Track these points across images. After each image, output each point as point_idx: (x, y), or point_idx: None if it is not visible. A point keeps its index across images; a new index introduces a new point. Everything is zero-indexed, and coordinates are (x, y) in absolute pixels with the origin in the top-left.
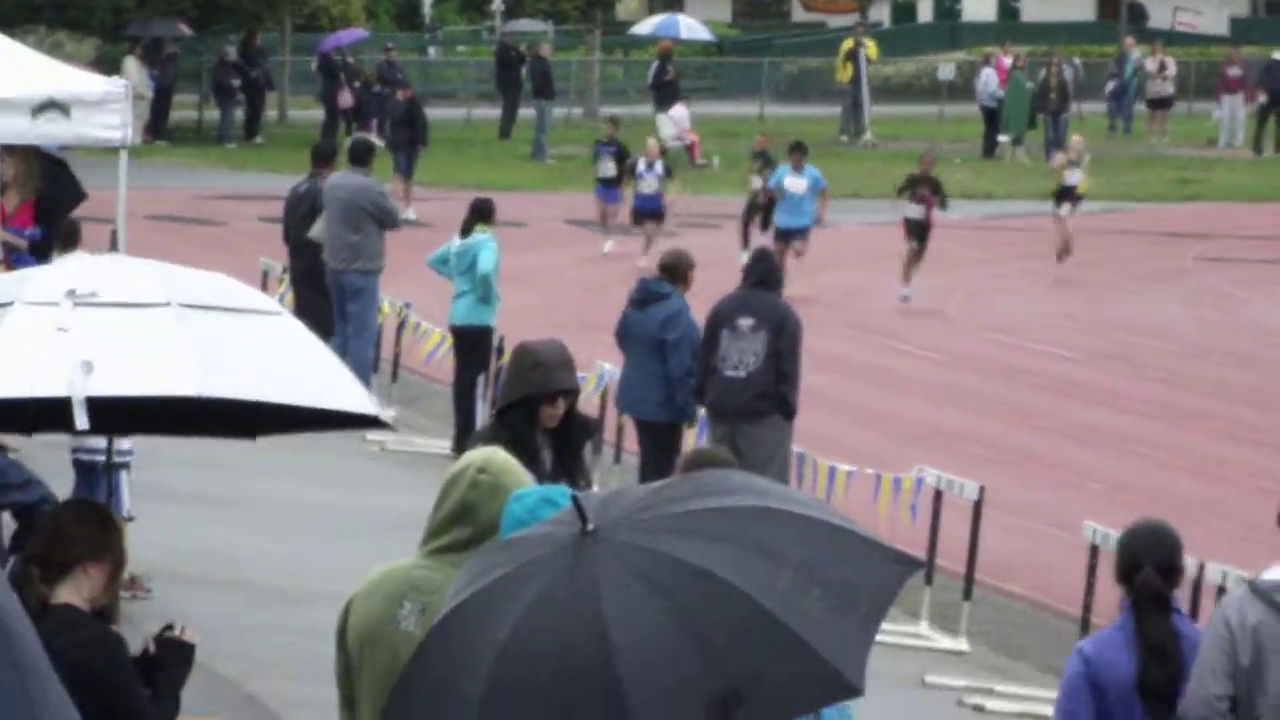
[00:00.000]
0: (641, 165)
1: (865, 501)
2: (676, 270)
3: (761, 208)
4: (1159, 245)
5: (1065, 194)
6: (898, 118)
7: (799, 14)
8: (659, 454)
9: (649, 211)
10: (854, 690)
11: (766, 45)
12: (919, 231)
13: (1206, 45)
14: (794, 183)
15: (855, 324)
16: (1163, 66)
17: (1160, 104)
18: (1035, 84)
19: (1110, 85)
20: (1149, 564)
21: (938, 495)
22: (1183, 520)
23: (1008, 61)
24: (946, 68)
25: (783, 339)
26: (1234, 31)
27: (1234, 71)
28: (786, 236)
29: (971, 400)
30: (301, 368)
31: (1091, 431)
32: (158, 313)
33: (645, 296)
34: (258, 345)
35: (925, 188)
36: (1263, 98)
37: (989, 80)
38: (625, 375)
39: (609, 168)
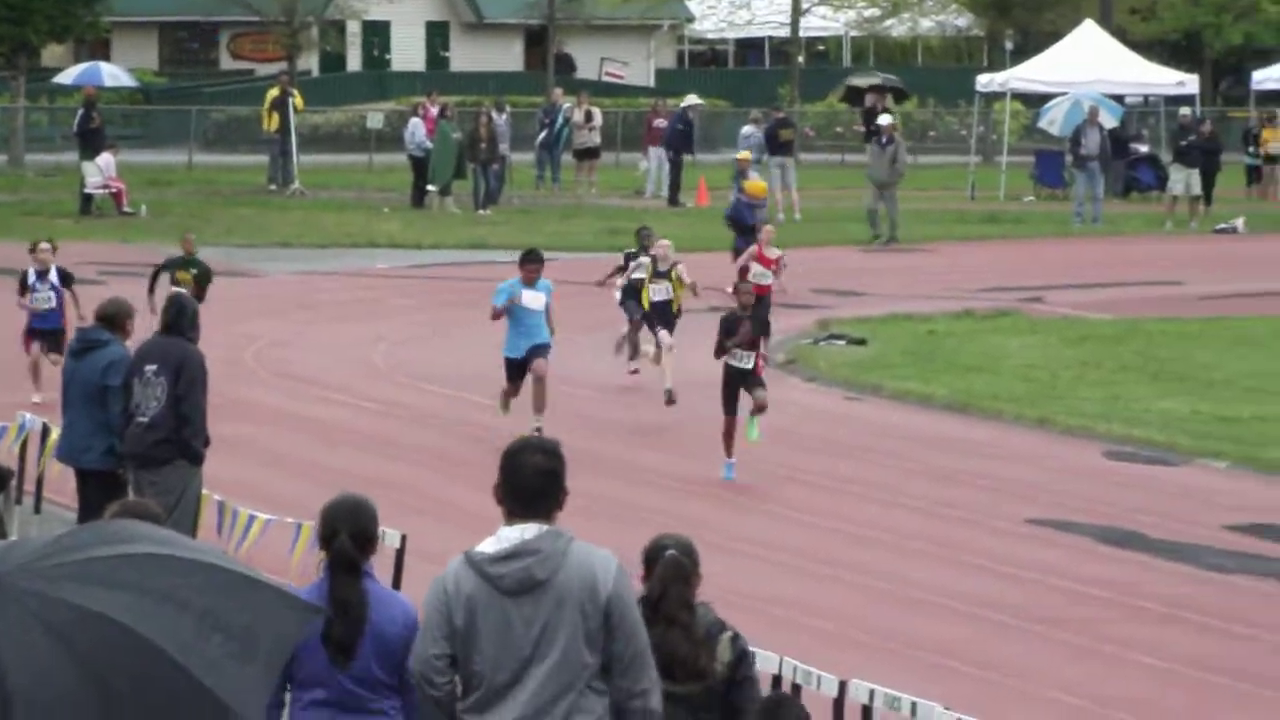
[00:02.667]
0: (32, 275)
1: (284, 550)
2: (115, 319)
3: None
4: (588, 296)
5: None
6: (327, 166)
7: (227, 62)
8: (103, 502)
9: (47, 332)
10: None
11: (195, 93)
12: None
13: (633, 96)
14: (532, 298)
15: (283, 373)
16: (589, 117)
17: (587, 154)
18: (464, 134)
19: (541, 135)
20: (345, 532)
21: None
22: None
23: (435, 111)
24: (375, 117)
25: (181, 383)
26: (660, 83)
27: (660, 123)
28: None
29: (398, 449)
30: None
31: None
32: None
33: (84, 345)
34: None
35: None
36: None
37: (416, 130)
38: (67, 424)
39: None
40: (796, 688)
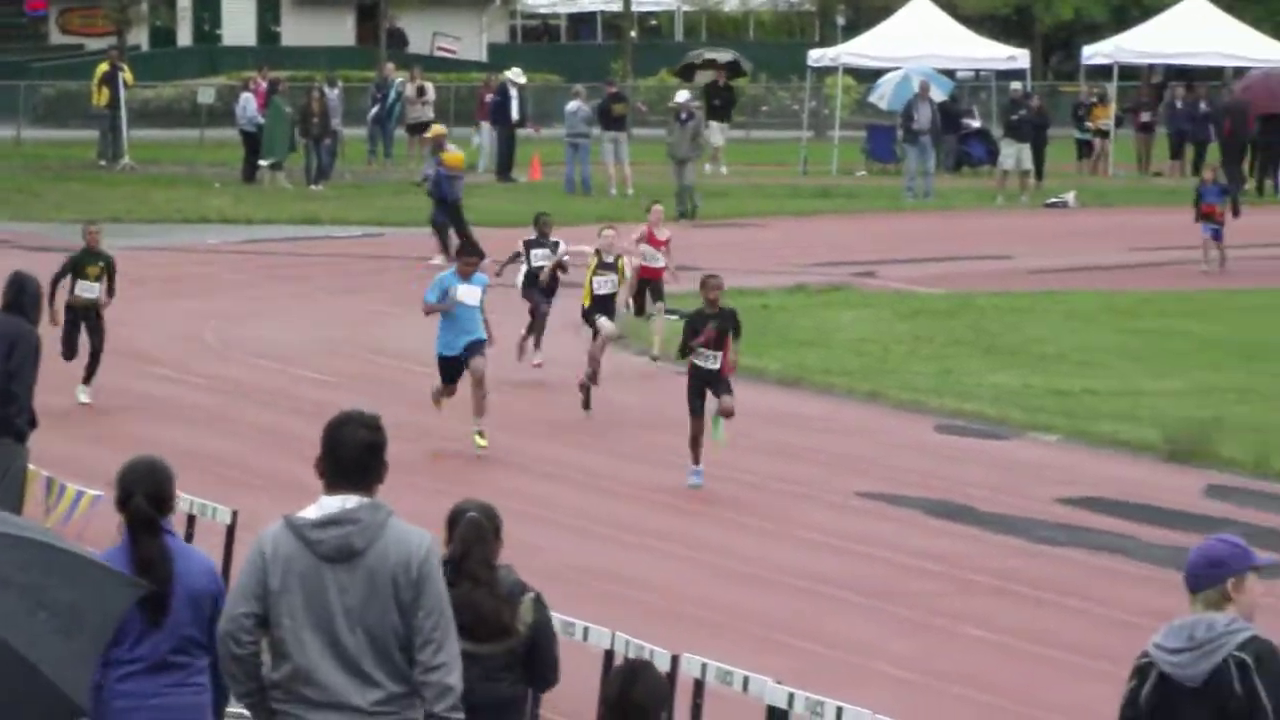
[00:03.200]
0: None
1: (113, 525)
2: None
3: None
4: (419, 270)
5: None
6: (157, 141)
7: (57, 36)
8: None
9: None
10: (79, 711)
11: (23, 68)
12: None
13: (466, 71)
14: (468, 293)
15: (114, 349)
16: (422, 91)
17: (420, 129)
18: (296, 109)
19: (373, 110)
20: (140, 493)
21: (191, 520)
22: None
23: (266, 86)
24: (206, 92)
25: (13, 360)
26: (492, 58)
27: (491, 97)
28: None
29: (230, 425)
30: None
31: None
32: None
33: None
34: None
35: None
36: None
37: (248, 105)
38: None
39: None
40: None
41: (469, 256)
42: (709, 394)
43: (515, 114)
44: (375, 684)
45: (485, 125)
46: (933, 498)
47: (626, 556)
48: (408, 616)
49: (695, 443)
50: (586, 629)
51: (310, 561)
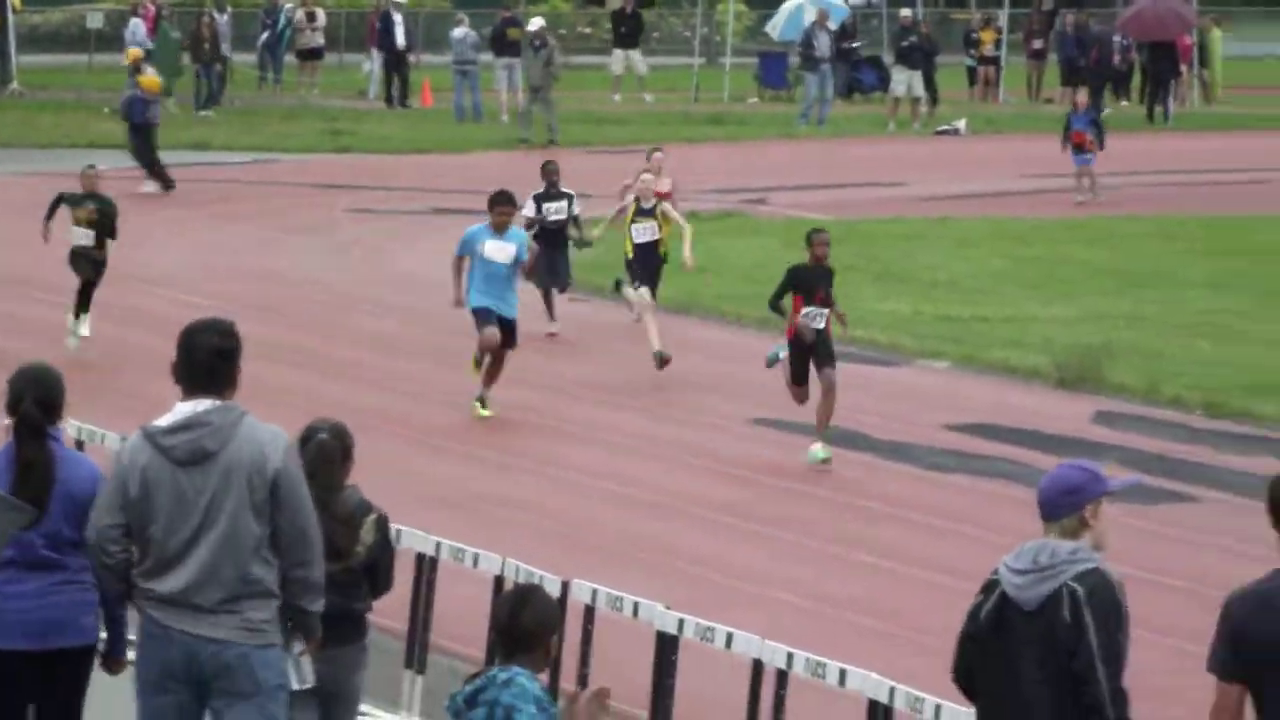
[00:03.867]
0: None
1: None
2: None
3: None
4: (309, 197)
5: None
6: (46, 67)
7: None
8: None
9: None
10: None
11: None
12: None
13: None
14: (497, 249)
15: (4, 277)
16: (312, 17)
17: (310, 55)
18: (185, 34)
19: (263, 36)
20: (29, 398)
21: (80, 445)
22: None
23: (155, 11)
24: (95, 16)
25: None
26: None
27: (380, 24)
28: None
29: (120, 350)
30: None
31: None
32: None
33: None
34: None
35: None
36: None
37: (137, 30)
38: None
39: None
40: None
41: (503, 205)
42: (812, 361)
43: (401, 40)
44: (223, 583)
45: (376, 51)
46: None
47: (519, 482)
48: (265, 515)
49: (815, 410)
50: (477, 555)
51: (165, 466)
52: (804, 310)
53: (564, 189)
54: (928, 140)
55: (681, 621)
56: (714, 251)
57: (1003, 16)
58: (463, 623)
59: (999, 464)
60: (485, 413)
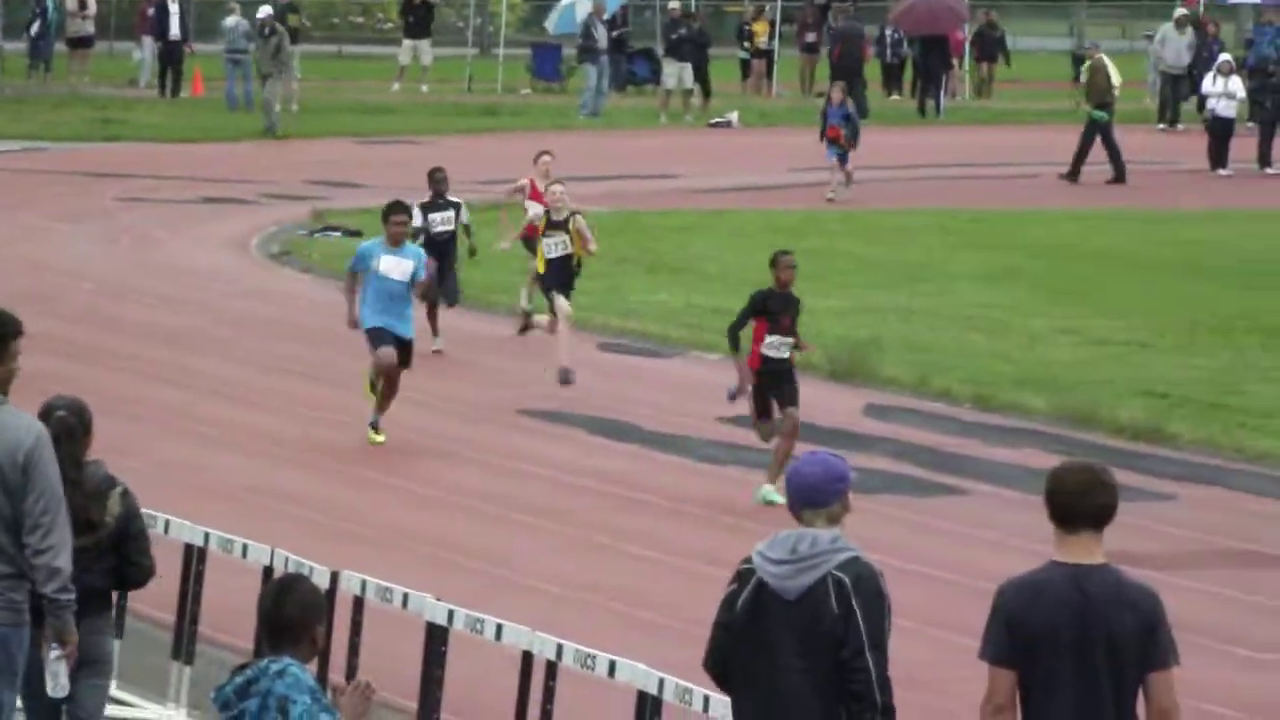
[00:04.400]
0: None
1: None
2: None
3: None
4: (78, 185)
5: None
6: None
7: None
8: None
9: None
10: None
11: None
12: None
13: None
14: (393, 265)
15: None
16: (83, 5)
17: (80, 43)
18: None
19: (35, 26)
20: None
21: None
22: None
23: None
24: None
25: None
26: None
27: (152, 12)
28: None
29: None
30: None
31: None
32: None
33: None
34: None
35: None
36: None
37: None
38: None
39: None
40: None
41: (397, 214)
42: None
43: (175, 30)
44: None
45: (147, 40)
46: (595, 416)
47: (290, 474)
48: (17, 501)
49: (774, 447)
50: (246, 546)
51: None
52: (767, 340)
53: (451, 198)
54: (700, 132)
55: (451, 613)
56: (483, 243)
57: (776, 9)
58: (231, 614)
59: (769, 456)
60: (379, 439)
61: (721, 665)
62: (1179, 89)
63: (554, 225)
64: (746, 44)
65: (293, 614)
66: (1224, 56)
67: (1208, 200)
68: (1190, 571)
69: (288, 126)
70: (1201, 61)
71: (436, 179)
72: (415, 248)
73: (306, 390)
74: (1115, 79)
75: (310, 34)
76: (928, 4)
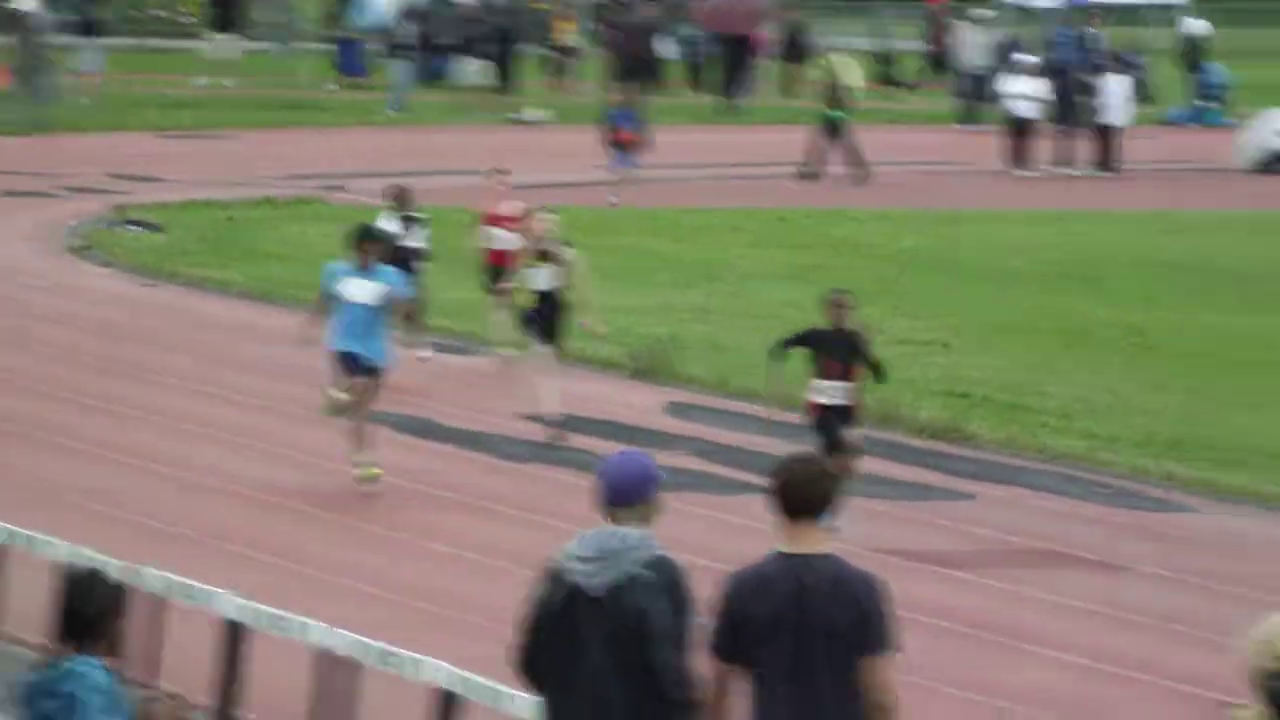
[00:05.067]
0: None
1: None
2: None
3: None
4: None
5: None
6: None
7: None
8: None
9: None
10: None
11: None
12: None
13: None
14: (360, 288)
15: None
16: None
17: None
18: None
19: None
20: None
21: None
22: None
23: None
24: None
25: None
26: None
27: None
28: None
29: None
30: None
31: None
32: None
33: None
34: None
35: None
36: None
37: None
38: None
39: None
40: None
41: (365, 240)
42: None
43: None
44: None
45: None
46: (398, 413)
47: (83, 468)
48: None
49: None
50: (32, 538)
51: None
52: (813, 383)
53: (416, 214)
54: (503, 129)
55: (253, 610)
56: (289, 238)
57: (581, 7)
58: (27, 613)
59: (572, 454)
60: (376, 471)
61: (531, 665)
62: (980, 89)
63: (540, 255)
64: (551, 41)
65: (89, 611)
66: (1024, 57)
67: (1010, 201)
68: (988, 570)
69: (87, 119)
70: (1004, 62)
71: (400, 194)
72: (386, 269)
73: (103, 384)
74: (855, 80)
75: (113, 27)
76: (729, 2)
